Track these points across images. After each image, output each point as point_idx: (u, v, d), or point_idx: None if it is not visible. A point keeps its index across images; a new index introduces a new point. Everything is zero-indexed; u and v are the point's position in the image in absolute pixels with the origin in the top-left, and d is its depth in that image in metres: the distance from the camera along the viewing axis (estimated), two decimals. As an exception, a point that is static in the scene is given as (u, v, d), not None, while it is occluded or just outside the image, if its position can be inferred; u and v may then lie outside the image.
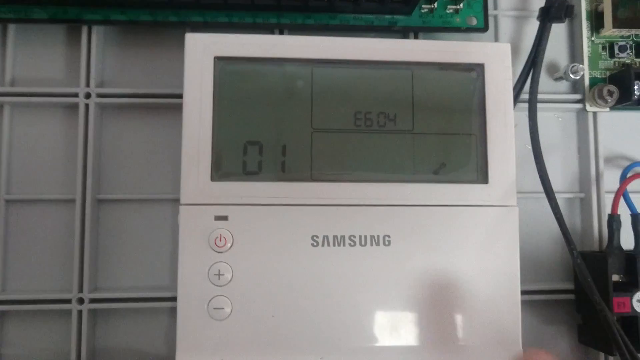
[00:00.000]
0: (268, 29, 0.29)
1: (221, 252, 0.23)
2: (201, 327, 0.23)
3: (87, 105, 0.27)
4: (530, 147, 0.28)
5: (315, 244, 0.23)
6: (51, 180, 0.28)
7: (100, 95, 0.27)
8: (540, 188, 0.26)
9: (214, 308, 0.23)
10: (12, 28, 0.28)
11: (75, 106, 0.27)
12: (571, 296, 0.29)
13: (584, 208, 0.30)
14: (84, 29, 0.28)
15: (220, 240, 0.23)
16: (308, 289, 0.23)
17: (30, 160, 0.28)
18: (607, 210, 0.29)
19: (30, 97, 0.27)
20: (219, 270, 0.23)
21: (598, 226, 0.29)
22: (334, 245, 0.23)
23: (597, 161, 0.29)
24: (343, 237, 0.23)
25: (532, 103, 0.27)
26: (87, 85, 0.27)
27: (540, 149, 0.26)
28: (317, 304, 0.23)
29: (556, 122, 0.31)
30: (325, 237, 0.23)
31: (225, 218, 0.23)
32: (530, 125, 0.26)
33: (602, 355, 0.28)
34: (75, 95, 0.27)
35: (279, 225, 0.23)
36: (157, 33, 0.29)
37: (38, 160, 0.28)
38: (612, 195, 0.28)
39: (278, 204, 0.23)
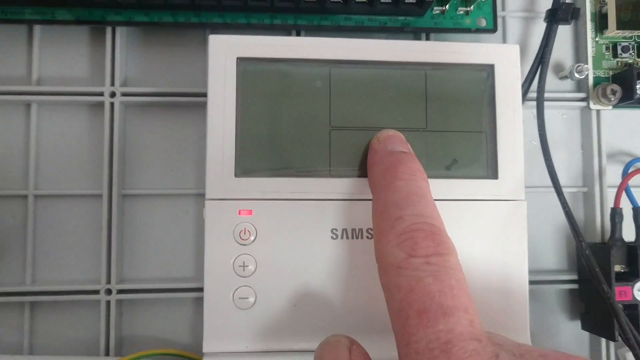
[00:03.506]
0: (285, 30, 0.30)
1: (245, 245, 0.24)
2: (227, 316, 0.24)
3: (112, 104, 0.28)
4: (535, 144, 0.29)
5: (334, 236, 0.24)
6: (77, 176, 0.29)
7: (124, 94, 0.28)
8: (545, 182, 0.27)
9: (239, 298, 0.24)
10: (37, 29, 0.29)
11: (100, 105, 0.28)
12: (574, 286, 0.30)
13: (587, 202, 0.31)
14: (108, 30, 0.29)
15: (245, 233, 0.24)
16: (327, 279, 0.24)
17: (56, 156, 0.29)
18: (609, 204, 0.30)
19: (57, 95, 0.28)
20: (244, 262, 0.24)
21: (600, 219, 0.30)
22: (352, 237, 0.24)
23: (600, 157, 0.31)
24: (361, 230, 0.24)
25: (540, 102, 0.28)
26: (112, 84, 0.28)
27: (548, 147, 0.27)
28: (336, 294, 0.24)
29: (561, 119, 0.32)
30: (344, 230, 0.24)
31: (248, 212, 0.24)
32: (538, 125, 0.28)
33: (603, 341, 0.30)
34: (101, 94, 0.28)
35: (299, 219, 0.24)
36: (178, 34, 0.30)
37: (64, 156, 0.29)
38: (614, 190, 0.30)
39: (298, 198, 0.24)
